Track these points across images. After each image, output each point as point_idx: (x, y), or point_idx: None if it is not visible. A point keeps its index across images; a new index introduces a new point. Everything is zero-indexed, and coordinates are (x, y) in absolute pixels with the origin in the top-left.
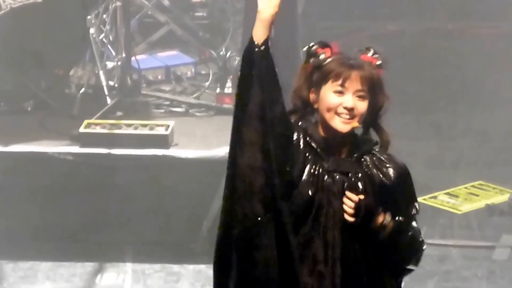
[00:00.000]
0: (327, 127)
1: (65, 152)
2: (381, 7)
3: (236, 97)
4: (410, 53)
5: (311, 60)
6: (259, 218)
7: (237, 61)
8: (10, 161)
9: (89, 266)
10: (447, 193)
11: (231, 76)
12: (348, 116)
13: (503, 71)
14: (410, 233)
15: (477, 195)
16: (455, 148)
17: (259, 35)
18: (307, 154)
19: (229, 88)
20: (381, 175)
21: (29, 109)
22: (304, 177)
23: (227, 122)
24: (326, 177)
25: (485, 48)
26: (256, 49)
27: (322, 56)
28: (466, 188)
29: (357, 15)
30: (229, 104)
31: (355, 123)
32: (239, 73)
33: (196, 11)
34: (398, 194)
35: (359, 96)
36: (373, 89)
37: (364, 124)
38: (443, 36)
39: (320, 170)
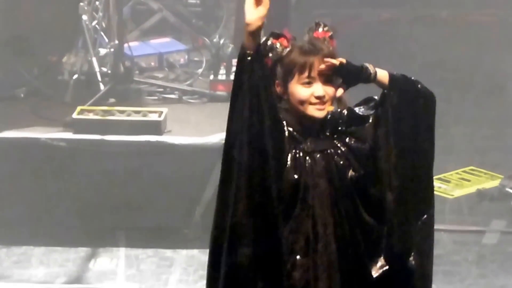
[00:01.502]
0: (303, 115)
1: (58, 139)
2: None
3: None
4: (403, 41)
5: (270, 54)
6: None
7: (230, 48)
8: (3, 148)
9: (82, 251)
10: (439, 178)
11: (224, 63)
12: (321, 103)
13: (496, 58)
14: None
15: (469, 181)
16: (447, 134)
17: (250, 44)
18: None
19: (222, 75)
20: (358, 131)
21: (22, 96)
22: (288, 162)
23: (220, 109)
24: (307, 158)
25: (478, 35)
26: (249, 57)
27: (278, 48)
28: (457, 173)
29: (350, 3)
30: (222, 91)
31: (329, 107)
32: (235, 80)
33: None
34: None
35: (327, 81)
36: (336, 66)
37: None
38: (436, 23)
39: (301, 153)
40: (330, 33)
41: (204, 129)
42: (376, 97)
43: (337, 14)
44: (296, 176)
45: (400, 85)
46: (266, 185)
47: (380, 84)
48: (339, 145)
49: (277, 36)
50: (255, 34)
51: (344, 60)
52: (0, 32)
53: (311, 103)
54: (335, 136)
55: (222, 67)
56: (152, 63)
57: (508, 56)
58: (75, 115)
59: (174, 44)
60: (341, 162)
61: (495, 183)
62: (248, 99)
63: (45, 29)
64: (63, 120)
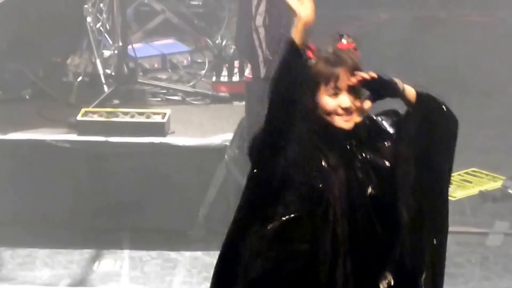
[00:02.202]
0: (330, 125)
1: (63, 140)
2: None
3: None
4: (402, 41)
5: None
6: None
7: (232, 49)
8: (8, 149)
9: (87, 253)
10: None
11: (226, 65)
12: (348, 115)
13: (496, 59)
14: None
15: (471, 182)
16: None
17: (300, 40)
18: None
19: (225, 76)
20: (379, 146)
21: (27, 97)
22: (312, 174)
23: (223, 110)
24: (331, 171)
25: (477, 36)
26: (300, 53)
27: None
28: (459, 175)
29: (350, 4)
30: (225, 93)
31: (356, 118)
32: (280, 79)
33: None
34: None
35: (353, 91)
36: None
37: None
38: (435, 24)
39: (325, 165)
40: (354, 45)
41: (207, 130)
42: (398, 111)
43: (337, 15)
44: (318, 189)
45: (426, 104)
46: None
47: (406, 100)
48: (361, 158)
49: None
50: (307, 29)
51: (375, 75)
52: (5, 34)
53: (337, 114)
54: (359, 148)
55: (224, 69)
56: (156, 65)
57: (508, 57)
58: (79, 117)
59: (177, 45)
60: (362, 177)
61: (497, 184)
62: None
63: (49, 31)
64: (67, 121)
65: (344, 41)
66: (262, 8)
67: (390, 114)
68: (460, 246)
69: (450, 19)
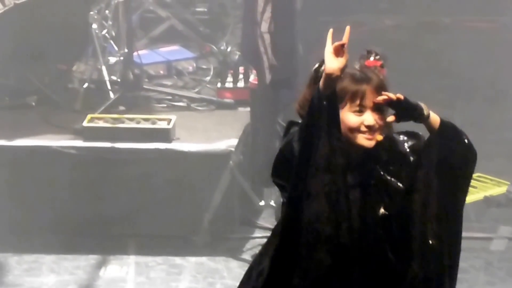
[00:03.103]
0: (352, 144)
1: (69, 146)
2: (379, 1)
3: (300, 149)
4: (407, 47)
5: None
6: (326, 267)
7: (237, 55)
8: (14, 155)
9: (93, 258)
10: None
11: (231, 71)
12: (371, 133)
13: (499, 64)
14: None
15: (475, 187)
16: None
17: (328, 89)
18: (329, 171)
19: (229, 82)
20: (397, 167)
21: (33, 103)
22: (329, 195)
23: (228, 116)
24: (347, 191)
25: (481, 41)
26: (325, 101)
27: None
28: None
29: (354, 10)
30: (230, 99)
31: (379, 137)
32: (303, 125)
33: (196, 6)
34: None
35: (377, 109)
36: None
37: None
38: (440, 29)
39: (345, 186)
40: (381, 62)
41: (212, 136)
42: (419, 134)
43: (342, 21)
44: (333, 209)
45: (449, 133)
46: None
47: (430, 127)
48: (377, 178)
49: None
50: (333, 82)
51: (401, 96)
52: (11, 41)
53: (360, 132)
54: (376, 167)
55: (229, 75)
56: (161, 71)
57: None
58: (85, 123)
59: (182, 52)
60: (374, 197)
61: (502, 189)
62: (322, 143)
63: (55, 38)
64: (73, 127)
65: (371, 58)
66: (267, 14)
67: (411, 136)
68: (464, 251)
69: (454, 25)
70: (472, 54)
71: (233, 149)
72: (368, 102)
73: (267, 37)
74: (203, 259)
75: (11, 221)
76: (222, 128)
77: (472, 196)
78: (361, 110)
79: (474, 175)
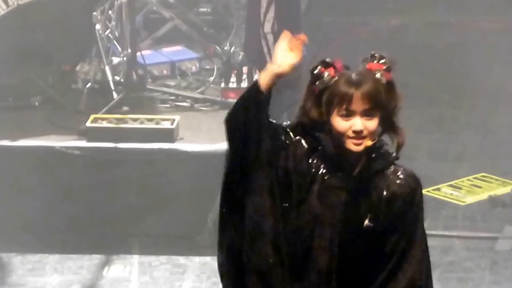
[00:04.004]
0: (341, 147)
1: (72, 147)
2: (384, 1)
3: (239, 145)
4: (413, 47)
5: (317, 82)
6: (270, 260)
7: (241, 56)
8: (18, 156)
9: (96, 258)
10: (451, 185)
11: (235, 71)
12: (359, 138)
13: (506, 64)
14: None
15: (480, 187)
16: (458, 141)
17: (267, 84)
18: (315, 170)
19: (233, 83)
20: (389, 196)
21: (36, 104)
22: (312, 194)
23: None
24: (332, 193)
25: (487, 41)
26: (261, 96)
27: (326, 77)
28: (469, 180)
29: (359, 10)
30: (234, 99)
31: (368, 142)
32: (240, 121)
33: (200, 6)
34: (406, 215)
35: (367, 115)
36: (379, 101)
37: (381, 127)
38: (445, 30)
39: (328, 186)
40: (385, 66)
41: (215, 136)
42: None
43: (347, 21)
44: (318, 210)
45: None
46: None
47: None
48: (366, 184)
49: (326, 65)
50: (277, 78)
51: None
52: (15, 42)
53: (348, 137)
54: (366, 174)
55: (233, 75)
56: (164, 71)
57: None
58: (88, 123)
59: (186, 52)
60: (362, 204)
61: (507, 189)
62: (265, 139)
63: (59, 38)
64: (77, 128)
65: (375, 61)
66: (270, 14)
67: (410, 180)
68: (469, 251)
69: (460, 25)
70: (478, 54)
71: None
72: (357, 107)
73: (270, 37)
74: (207, 258)
75: (14, 221)
76: None
77: (477, 196)
78: (348, 115)
79: (479, 175)
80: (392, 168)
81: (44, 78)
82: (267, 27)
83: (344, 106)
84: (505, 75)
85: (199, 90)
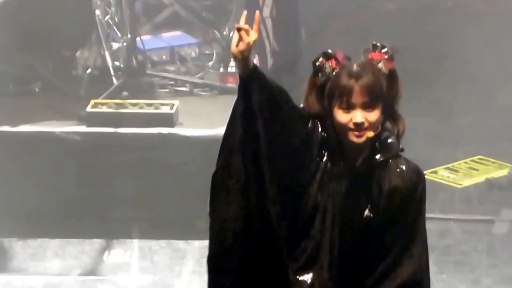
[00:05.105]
0: (343, 138)
1: (73, 132)
2: None
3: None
4: (410, 31)
5: (319, 74)
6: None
7: None
8: (18, 142)
9: (97, 243)
10: (447, 168)
11: None
12: (360, 130)
13: (502, 48)
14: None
15: (477, 170)
16: (455, 124)
17: (242, 71)
18: (319, 158)
19: (232, 67)
20: (390, 189)
21: (36, 90)
22: (314, 181)
23: (231, 101)
24: (334, 182)
25: (484, 25)
26: (246, 81)
27: (328, 69)
28: (466, 163)
29: None
30: (233, 84)
31: (369, 134)
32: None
33: None
34: (407, 209)
35: (368, 107)
36: (380, 93)
37: (382, 115)
38: (443, 13)
39: (331, 175)
40: (387, 55)
41: (215, 121)
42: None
43: (345, 5)
44: (319, 198)
45: None
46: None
47: None
48: (368, 175)
49: (328, 56)
50: (240, 62)
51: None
52: (15, 28)
53: (349, 129)
54: (368, 165)
55: (232, 60)
56: (164, 57)
57: None
58: (89, 109)
59: (185, 37)
60: (361, 197)
61: (503, 172)
62: (243, 124)
63: (58, 24)
64: (77, 113)
65: (376, 51)
66: None
67: (413, 174)
68: (466, 234)
69: (457, 9)
70: (475, 37)
71: None
72: (357, 99)
73: (269, 22)
74: (206, 242)
75: (15, 206)
76: (225, 113)
77: (474, 179)
78: (348, 107)
79: (475, 158)
80: (396, 160)
81: (44, 64)
82: (266, 12)
83: (345, 99)
84: (501, 59)
85: (198, 75)
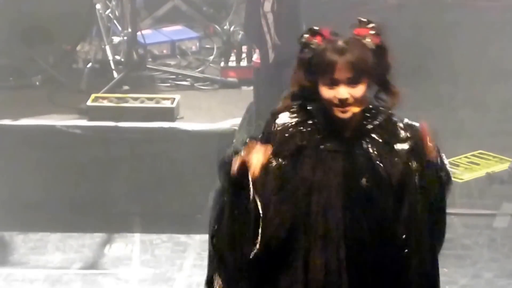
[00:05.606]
0: (330, 113)
1: (73, 126)
2: None
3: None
4: (410, 26)
5: (305, 50)
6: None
7: (240, 35)
8: (19, 135)
9: (98, 236)
10: (448, 162)
11: (234, 50)
12: (344, 106)
13: (503, 42)
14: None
15: (478, 164)
16: (456, 118)
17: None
18: (307, 140)
19: (233, 61)
20: (387, 147)
21: (37, 83)
22: (305, 164)
23: (232, 95)
24: (328, 157)
25: (484, 20)
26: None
27: (313, 45)
28: (466, 157)
29: None
30: (233, 78)
31: (354, 109)
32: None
33: None
34: (407, 168)
35: (352, 83)
36: (365, 68)
37: (377, 87)
38: (443, 8)
39: (323, 150)
40: (373, 31)
41: (215, 115)
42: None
43: (345, 0)
44: (313, 175)
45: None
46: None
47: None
48: (363, 146)
49: (314, 32)
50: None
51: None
52: (16, 22)
53: (334, 105)
54: (361, 136)
55: (232, 54)
56: (165, 51)
57: None
58: (89, 103)
59: (186, 31)
60: (358, 166)
61: (504, 166)
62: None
63: (59, 18)
64: (77, 107)
65: (362, 26)
66: None
67: (411, 131)
68: (467, 228)
69: (457, 4)
70: (475, 32)
71: (236, 127)
72: (341, 75)
73: (270, 16)
74: (207, 236)
75: (16, 199)
76: (226, 107)
77: (475, 173)
78: (332, 83)
79: (476, 152)
80: (391, 121)
81: (45, 57)
82: (267, 6)
83: (329, 75)
84: (502, 53)
85: (199, 69)
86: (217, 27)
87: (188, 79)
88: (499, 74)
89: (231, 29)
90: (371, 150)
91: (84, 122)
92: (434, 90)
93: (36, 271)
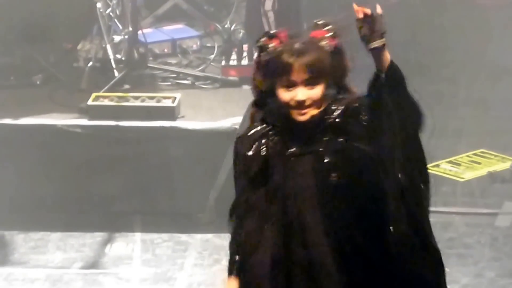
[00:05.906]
0: (289, 116)
1: (74, 125)
2: None
3: None
4: (411, 24)
5: (262, 54)
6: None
7: (241, 33)
8: (19, 134)
9: (99, 236)
10: (450, 161)
11: (235, 49)
12: (302, 108)
13: (505, 41)
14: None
15: (479, 163)
16: (457, 117)
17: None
18: (271, 150)
19: (234, 60)
20: (354, 127)
21: (38, 82)
22: (274, 170)
23: (232, 94)
24: (293, 160)
25: (486, 17)
26: None
27: (270, 48)
28: (468, 156)
29: None
30: (234, 76)
31: (312, 111)
32: None
33: None
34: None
35: (310, 84)
36: (322, 70)
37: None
38: (445, 6)
39: (290, 156)
40: (329, 33)
41: (216, 113)
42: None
43: None
44: (281, 180)
45: (397, 74)
46: None
47: (379, 59)
48: (327, 146)
49: (271, 36)
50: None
51: (368, 11)
52: (17, 20)
53: (292, 107)
54: (325, 134)
55: (233, 53)
56: (166, 50)
57: None
58: (90, 102)
59: (186, 30)
60: (326, 164)
61: (506, 165)
62: None
63: (60, 17)
64: (78, 106)
65: (319, 29)
66: None
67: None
68: (469, 227)
69: (458, 2)
70: (476, 30)
71: (237, 126)
72: (298, 77)
73: (271, 15)
74: (209, 236)
75: (16, 199)
76: (227, 106)
77: (476, 172)
78: (289, 85)
79: (478, 151)
80: (351, 107)
81: (46, 56)
82: (268, 5)
83: (285, 77)
84: (503, 51)
85: (200, 68)
86: (218, 25)
87: (189, 78)
88: (501, 72)
89: (232, 27)
90: (335, 145)
91: (84, 121)
92: (435, 89)
93: (37, 270)
